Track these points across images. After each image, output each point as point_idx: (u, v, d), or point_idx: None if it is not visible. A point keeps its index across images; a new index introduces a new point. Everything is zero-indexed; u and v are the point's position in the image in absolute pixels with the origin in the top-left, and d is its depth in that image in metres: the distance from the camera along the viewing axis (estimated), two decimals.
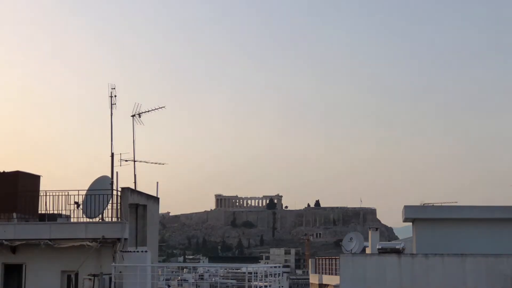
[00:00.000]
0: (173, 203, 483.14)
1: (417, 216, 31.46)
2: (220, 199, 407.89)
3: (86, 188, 24.87)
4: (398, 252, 29.36)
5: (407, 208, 31.29)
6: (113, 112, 26.14)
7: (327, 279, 48.04)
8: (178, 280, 50.61)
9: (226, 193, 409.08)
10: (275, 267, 26.36)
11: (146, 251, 23.62)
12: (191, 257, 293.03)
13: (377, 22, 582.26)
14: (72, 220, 24.78)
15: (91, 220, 24.46)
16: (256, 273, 23.52)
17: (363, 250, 41.62)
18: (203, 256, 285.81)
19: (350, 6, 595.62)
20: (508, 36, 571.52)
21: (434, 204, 36.76)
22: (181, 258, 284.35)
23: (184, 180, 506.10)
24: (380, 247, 30.76)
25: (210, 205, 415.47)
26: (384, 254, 28.85)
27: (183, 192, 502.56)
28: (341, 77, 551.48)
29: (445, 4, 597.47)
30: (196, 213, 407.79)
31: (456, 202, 35.44)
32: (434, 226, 30.91)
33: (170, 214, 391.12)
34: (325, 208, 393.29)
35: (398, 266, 27.79)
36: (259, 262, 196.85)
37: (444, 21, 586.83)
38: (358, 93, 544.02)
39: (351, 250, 37.56)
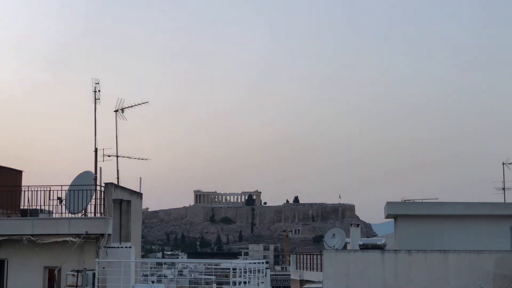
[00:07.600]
0: (152, 199, 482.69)
1: (400, 212, 31.60)
2: (199, 195, 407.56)
3: (69, 184, 24.67)
4: (379, 248, 29.42)
5: (389, 205, 31.40)
6: (96, 107, 26.00)
7: (308, 275, 48.11)
8: (158, 276, 50.19)
9: (205, 189, 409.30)
10: (259, 263, 26.32)
11: (130, 247, 23.48)
12: (169, 253, 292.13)
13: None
14: (54, 215, 24.56)
15: (74, 215, 24.27)
16: (241, 269, 23.47)
17: (345, 246, 41.68)
18: (182, 252, 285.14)
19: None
20: None
21: (415, 201, 36.83)
22: (159, 254, 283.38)
23: (163, 176, 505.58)
24: (361, 243, 30.81)
25: (189, 201, 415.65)
26: (367, 250, 28.93)
27: (162, 188, 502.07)
28: (324, 75, 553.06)
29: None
30: (175, 208, 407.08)
31: (436, 198, 35.54)
32: (417, 223, 31.07)
33: (149, 210, 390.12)
34: (304, 204, 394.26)
35: (381, 262, 27.88)
36: (238, 258, 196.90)
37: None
38: (337, 89, 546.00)
39: (334, 246, 37.57)
